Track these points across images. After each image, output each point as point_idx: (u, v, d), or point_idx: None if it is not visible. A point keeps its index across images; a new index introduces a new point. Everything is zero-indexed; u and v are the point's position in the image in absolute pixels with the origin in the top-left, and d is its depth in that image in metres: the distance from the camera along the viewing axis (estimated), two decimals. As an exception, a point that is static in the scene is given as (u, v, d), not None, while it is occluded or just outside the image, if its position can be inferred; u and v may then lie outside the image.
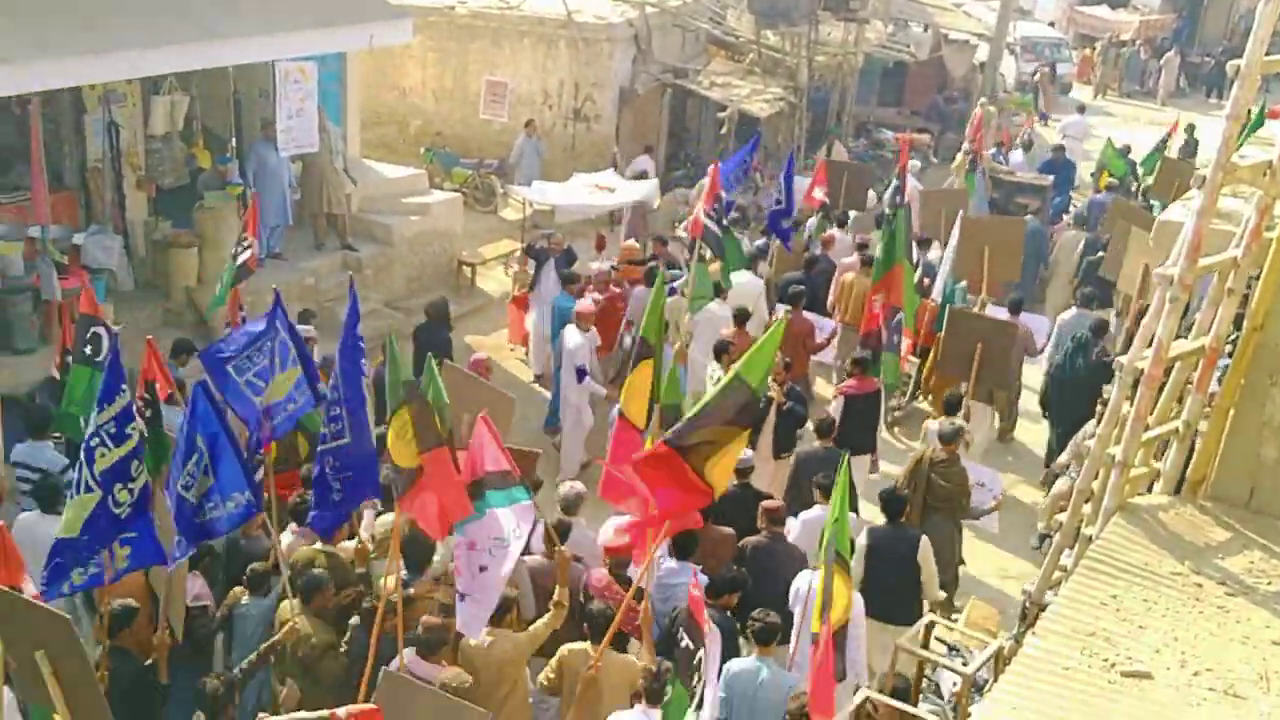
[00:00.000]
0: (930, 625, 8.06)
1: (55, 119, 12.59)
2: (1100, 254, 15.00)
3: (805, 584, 7.82)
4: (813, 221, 15.73)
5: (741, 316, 11.80)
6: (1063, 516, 7.93)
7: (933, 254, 14.57)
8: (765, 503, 8.76)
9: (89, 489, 6.69)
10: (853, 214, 16.09)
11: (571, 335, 11.78)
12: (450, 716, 6.14)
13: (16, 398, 11.17)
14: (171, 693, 7.24)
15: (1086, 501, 7.33)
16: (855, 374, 10.97)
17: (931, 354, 12.33)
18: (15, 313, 11.38)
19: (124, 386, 6.78)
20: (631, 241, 14.88)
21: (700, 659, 6.41)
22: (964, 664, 7.78)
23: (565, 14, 19.44)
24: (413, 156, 18.93)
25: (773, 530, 8.53)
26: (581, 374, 11.64)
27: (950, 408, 10.63)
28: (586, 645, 7.25)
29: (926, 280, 13.80)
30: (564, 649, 7.32)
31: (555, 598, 7.44)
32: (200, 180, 13.98)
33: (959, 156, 18.05)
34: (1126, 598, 6.10)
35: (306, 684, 7.25)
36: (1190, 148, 22.09)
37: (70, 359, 9.20)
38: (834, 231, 15.11)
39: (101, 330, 8.86)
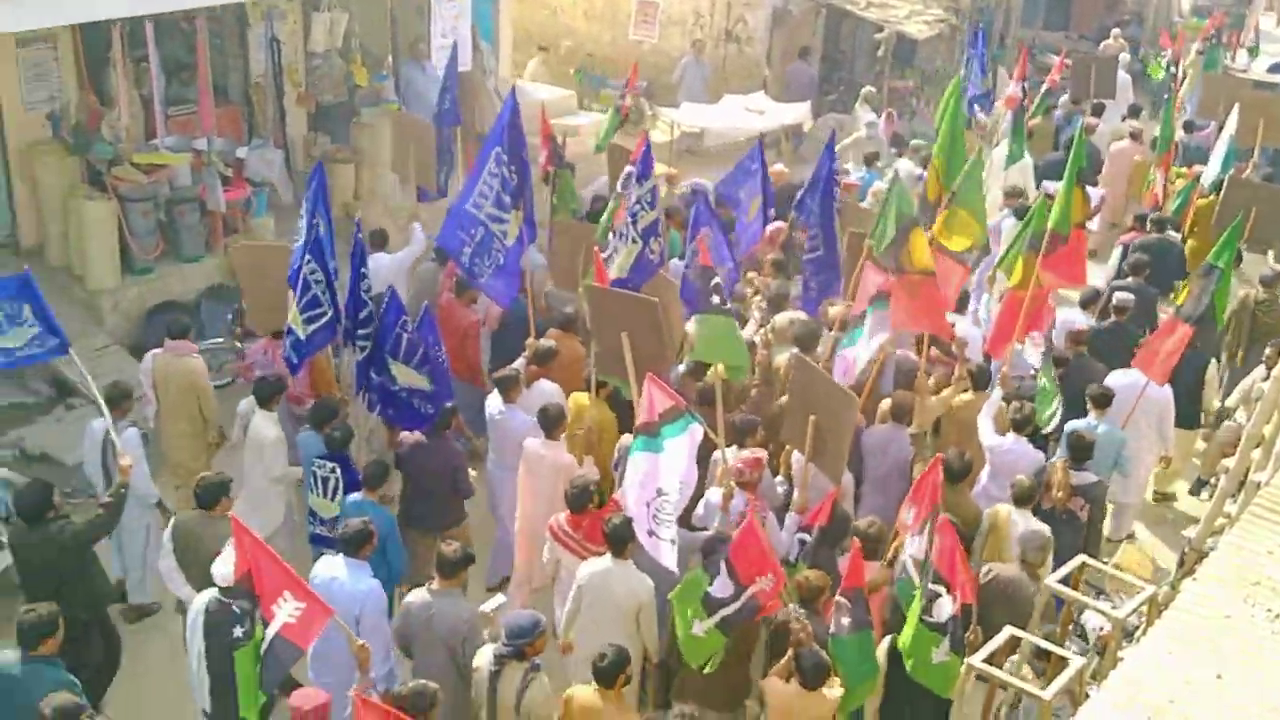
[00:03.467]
0: (1082, 566, 7.83)
1: (220, 35, 12.94)
2: None
3: None
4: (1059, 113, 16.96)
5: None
6: (1229, 462, 7.60)
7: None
8: None
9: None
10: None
11: None
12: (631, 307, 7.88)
13: (184, 304, 11.68)
14: None
15: (1256, 447, 6.98)
16: (1135, 227, 13.03)
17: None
18: (183, 223, 11.82)
19: None
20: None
21: None
22: (1113, 608, 7.55)
23: (719, -69, 19.04)
24: (563, 77, 18.91)
25: None
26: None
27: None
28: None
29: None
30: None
31: None
32: (358, 97, 14.23)
33: (1191, 54, 20.15)
34: (1296, 546, 5.80)
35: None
36: None
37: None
38: (1093, 119, 16.05)
39: None
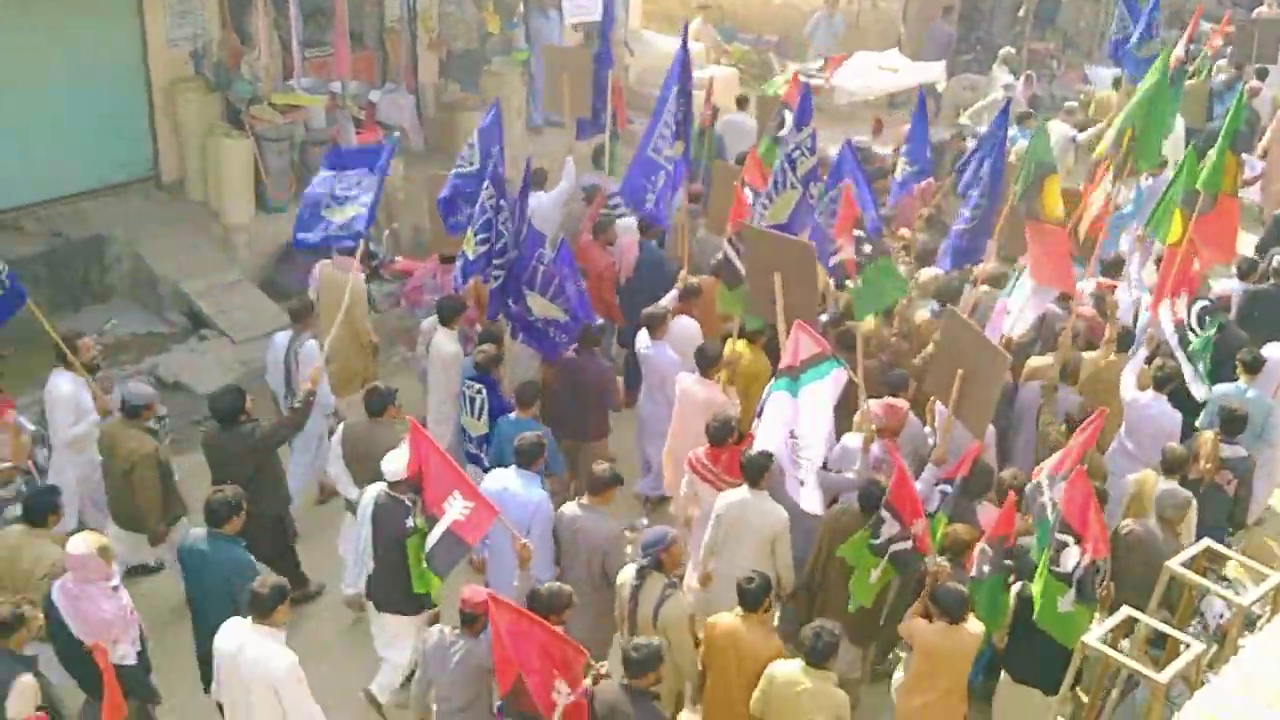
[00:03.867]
0: (1206, 550, 7.57)
1: (358, -21, 13.15)
2: None
3: None
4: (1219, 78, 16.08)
5: None
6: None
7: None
8: None
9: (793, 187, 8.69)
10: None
11: None
12: (787, 249, 8.02)
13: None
14: None
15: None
16: None
17: None
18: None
19: None
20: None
21: None
22: (1236, 594, 7.30)
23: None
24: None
25: None
26: None
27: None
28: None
29: None
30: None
31: None
32: (489, 45, 14.33)
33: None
34: None
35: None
36: None
37: None
38: (1257, 83, 15.53)
39: None
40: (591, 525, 6.97)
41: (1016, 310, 9.13)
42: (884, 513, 6.81)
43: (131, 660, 6.21)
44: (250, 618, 5.90)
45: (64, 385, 7.94)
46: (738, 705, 6.33)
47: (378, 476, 6.88)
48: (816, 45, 17.71)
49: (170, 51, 11.67)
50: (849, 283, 8.61)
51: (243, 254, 11.71)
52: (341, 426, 7.96)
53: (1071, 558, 6.55)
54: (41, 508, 6.70)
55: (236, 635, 5.94)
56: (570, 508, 7.10)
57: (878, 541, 6.83)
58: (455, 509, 6.19)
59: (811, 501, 7.13)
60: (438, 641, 6.20)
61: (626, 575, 6.62)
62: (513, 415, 8.06)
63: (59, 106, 11.10)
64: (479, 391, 8.36)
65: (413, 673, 6.76)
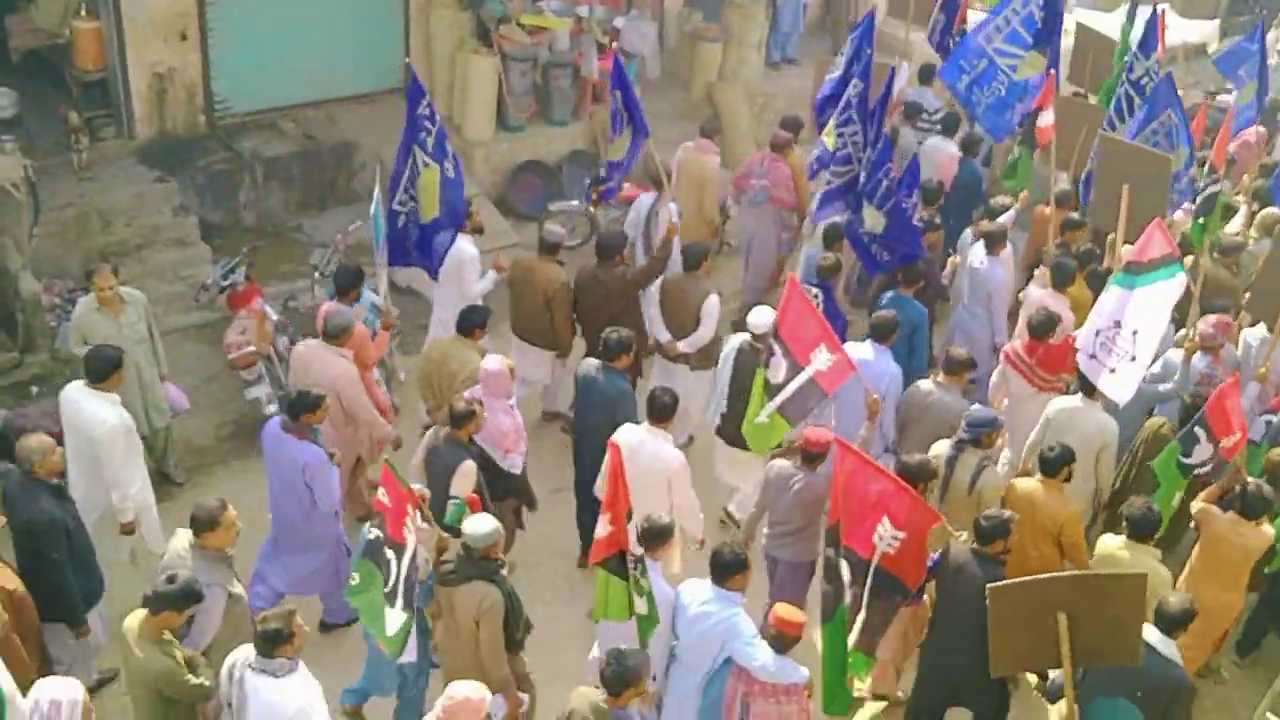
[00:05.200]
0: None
1: (610, -97, 13.11)
2: None
3: None
4: None
5: None
6: None
7: None
8: None
9: None
10: None
11: None
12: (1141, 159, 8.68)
13: (548, 165, 12.17)
14: None
15: None
16: None
17: None
18: (556, 86, 12.23)
19: None
20: None
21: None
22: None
23: None
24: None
25: None
26: None
27: None
28: None
29: None
30: None
31: None
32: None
33: None
34: None
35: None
36: None
37: None
38: None
39: None
40: (946, 402, 7.63)
41: None
42: (1197, 429, 7.10)
43: (518, 470, 7.36)
44: (647, 422, 7.06)
45: (469, 248, 8.78)
46: (1031, 562, 6.78)
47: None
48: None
49: (428, -34, 11.96)
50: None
51: (480, 169, 11.99)
52: (660, 282, 8.97)
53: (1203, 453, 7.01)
54: (471, 321, 7.84)
55: (636, 434, 7.05)
56: (925, 384, 7.89)
57: (1188, 460, 7.15)
58: (820, 360, 6.99)
59: (1117, 389, 7.37)
60: (779, 471, 7.04)
61: (941, 448, 7.20)
62: (893, 292, 8.84)
63: (319, 15, 11.55)
64: (815, 296, 8.62)
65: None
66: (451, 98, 12.14)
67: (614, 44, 12.49)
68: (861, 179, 9.30)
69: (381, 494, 5.76)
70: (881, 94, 9.70)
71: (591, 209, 11.36)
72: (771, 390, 7.12)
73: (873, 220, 9.12)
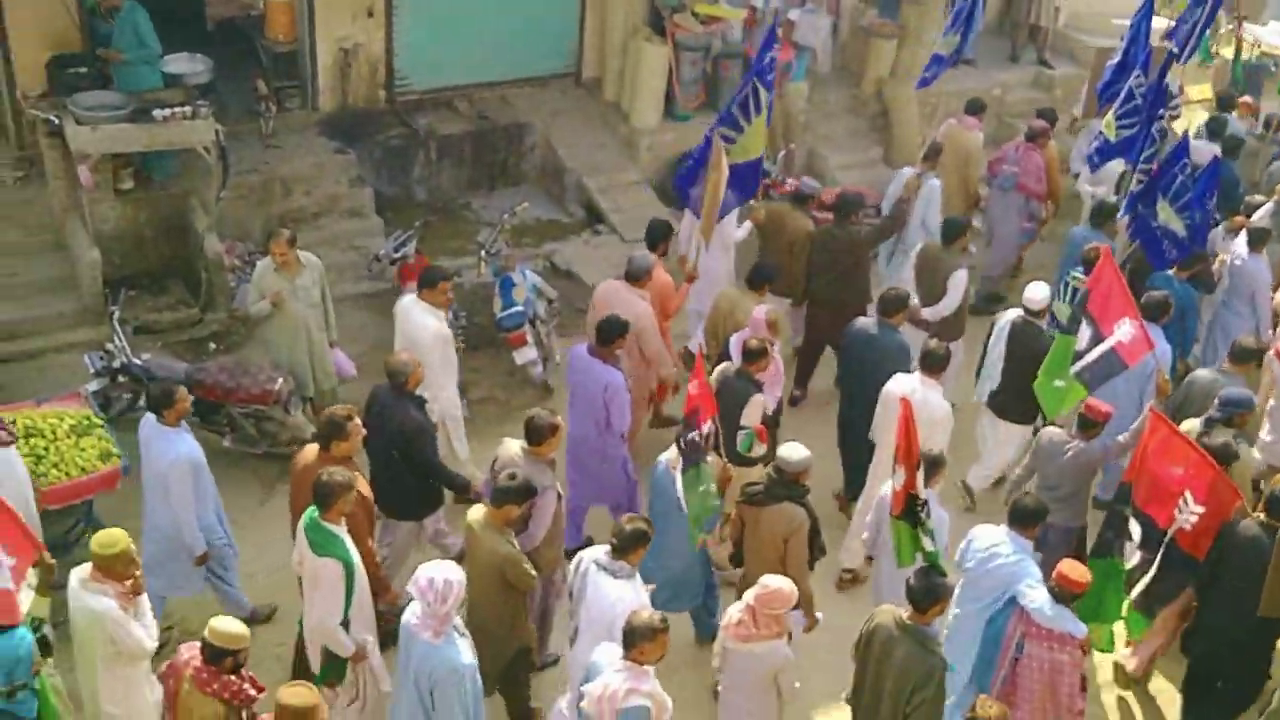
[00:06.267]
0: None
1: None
2: None
3: None
4: None
5: None
6: None
7: None
8: None
9: None
10: None
11: None
12: None
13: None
14: None
15: None
16: None
17: None
18: (725, 76, 12.15)
19: None
20: None
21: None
22: None
23: None
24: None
25: None
26: None
27: None
28: None
29: None
30: None
31: None
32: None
33: None
34: None
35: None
36: None
37: None
38: None
39: None
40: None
41: None
42: None
43: (771, 409, 7.86)
44: (919, 372, 7.64)
45: (736, 232, 9.61)
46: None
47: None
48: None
49: (606, -47, 12.05)
50: None
51: (644, 157, 12.06)
52: (920, 248, 9.49)
53: None
54: (762, 275, 8.64)
55: (909, 383, 7.64)
56: (1206, 373, 8.17)
57: None
58: (1122, 332, 7.42)
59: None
60: (1052, 438, 7.44)
61: (1191, 425, 7.43)
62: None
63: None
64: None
65: (1002, 478, 8.61)
66: (621, 84, 12.23)
67: (788, 36, 12.44)
68: (1153, 172, 9.43)
69: (693, 387, 6.49)
70: (1154, 81, 9.74)
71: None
72: (1073, 357, 7.51)
73: (1167, 215, 9.26)
